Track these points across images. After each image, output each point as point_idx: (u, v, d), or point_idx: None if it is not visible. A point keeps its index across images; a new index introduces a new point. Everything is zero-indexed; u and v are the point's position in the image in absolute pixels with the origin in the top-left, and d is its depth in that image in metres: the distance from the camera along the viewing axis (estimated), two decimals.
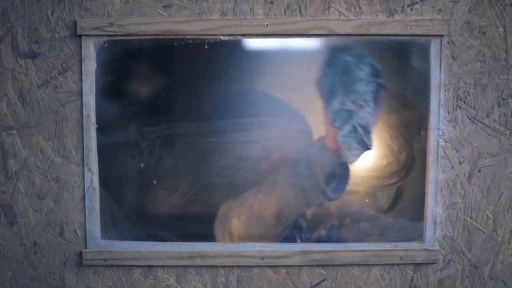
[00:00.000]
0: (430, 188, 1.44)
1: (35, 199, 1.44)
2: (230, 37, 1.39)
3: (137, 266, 1.46)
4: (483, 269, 1.48)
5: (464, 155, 1.44)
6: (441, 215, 1.45)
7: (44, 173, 1.43)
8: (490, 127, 1.43)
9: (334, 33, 1.39)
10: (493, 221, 1.46)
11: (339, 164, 1.45)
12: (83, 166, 1.42)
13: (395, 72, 1.43)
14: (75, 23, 1.38)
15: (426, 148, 1.43)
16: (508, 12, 1.39)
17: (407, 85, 1.44)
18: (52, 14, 1.38)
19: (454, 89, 1.42)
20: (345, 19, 1.39)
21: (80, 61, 1.39)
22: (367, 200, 1.48)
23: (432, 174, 1.43)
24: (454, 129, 1.43)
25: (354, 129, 1.42)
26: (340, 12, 1.39)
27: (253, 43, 1.41)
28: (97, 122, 1.41)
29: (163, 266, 1.46)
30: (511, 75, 1.42)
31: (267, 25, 1.38)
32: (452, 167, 1.44)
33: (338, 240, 1.47)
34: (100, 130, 1.41)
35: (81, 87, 1.40)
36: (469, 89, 1.42)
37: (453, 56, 1.41)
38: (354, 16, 1.39)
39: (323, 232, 1.47)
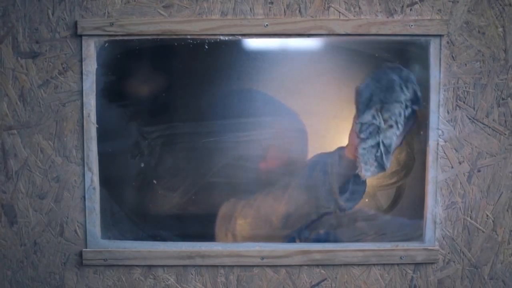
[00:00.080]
0: (430, 188, 1.44)
1: (35, 199, 1.44)
2: (230, 37, 1.40)
3: (137, 266, 1.46)
4: (483, 269, 1.48)
5: (463, 155, 1.44)
6: (441, 215, 1.45)
7: (45, 172, 1.43)
8: (489, 127, 1.43)
9: (333, 33, 1.39)
10: (492, 221, 1.46)
11: (354, 176, 1.44)
12: (84, 165, 1.42)
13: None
14: (75, 23, 1.38)
15: (426, 148, 1.43)
16: (507, 12, 1.40)
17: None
18: (52, 14, 1.39)
19: (453, 89, 1.42)
20: (344, 19, 1.39)
21: (81, 61, 1.39)
22: (367, 200, 1.48)
23: (432, 174, 1.43)
24: (454, 129, 1.43)
25: (377, 145, 1.41)
26: (339, 12, 1.40)
27: (253, 43, 1.42)
28: (98, 122, 1.41)
29: (163, 266, 1.46)
30: (511, 75, 1.42)
31: (267, 25, 1.39)
32: (452, 167, 1.44)
33: (338, 240, 1.47)
34: (101, 130, 1.42)
35: (82, 87, 1.40)
36: (469, 89, 1.42)
37: (452, 56, 1.41)
38: (354, 16, 1.40)
39: (321, 231, 1.47)
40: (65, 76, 1.40)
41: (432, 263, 1.47)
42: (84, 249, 1.45)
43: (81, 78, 1.40)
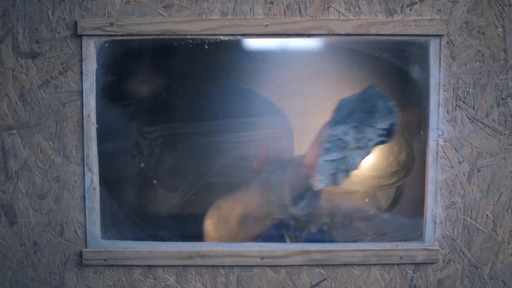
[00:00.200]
0: (429, 188, 1.44)
1: (35, 199, 1.44)
2: (230, 37, 1.40)
3: (137, 266, 1.46)
4: (483, 269, 1.48)
5: (463, 155, 1.44)
6: (440, 215, 1.45)
7: (45, 173, 1.43)
8: (489, 127, 1.43)
9: (333, 33, 1.39)
10: (492, 221, 1.46)
11: (309, 185, 1.43)
12: (83, 166, 1.42)
13: (394, 72, 1.44)
14: (75, 23, 1.38)
15: (426, 148, 1.43)
16: (507, 12, 1.40)
17: (406, 85, 1.44)
18: (52, 14, 1.39)
19: (453, 89, 1.42)
20: (344, 19, 1.39)
21: (81, 61, 1.39)
22: (367, 200, 1.48)
23: (432, 173, 1.44)
24: (454, 129, 1.43)
25: (339, 161, 1.41)
26: (339, 12, 1.40)
27: (253, 43, 1.42)
28: (98, 122, 1.41)
29: (163, 266, 1.46)
30: (510, 75, 1.42)
31: (267, 25, 1.39)
32: (452, 167, 1.44)
33: (338, 240, 1.47)
34: (101, 130, 1.42)
35: (82, 87, 1.40)
36: (469, 89, 1.42)
37: (452, 56, 1.41)
38: (354, 16, 1.40)
39: (313, 230, 1.47)
40: (65, 76, 1.40)
41: (432, 263, 1.47)
42: (84, 249, 1.45)
43: (81, 78, 1.40)
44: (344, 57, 1.44)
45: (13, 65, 1.40)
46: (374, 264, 1.47)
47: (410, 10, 1.40)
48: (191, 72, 1.43)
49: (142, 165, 1.45)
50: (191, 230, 1.47)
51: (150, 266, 1.46)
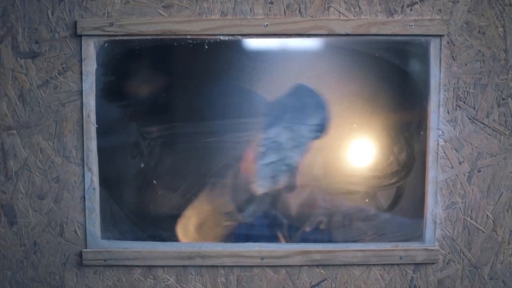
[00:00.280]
0: (430, 188, 1.44)
1: (35, 199, 1.44)
2: (230, 37, 1.39)
3: (137, 266, 1.46)
4: (483, 269, 1.48)
5: (464, 155, 1.44)
6: (441, 215, 1.45)
7: (44, 173, 1.43)
8: (489, 127, 1.43)
9: (333, 33, 1.39)
10: (493, 221, 1.46)
11: (251, 191, 1.44)
12: (83, 166, 1.42)
13: (394, 72, 1.44)
14: (75, 23, 1.38)
15: (426, 148, 1.43)
16: (507, 12, 1.40)
17: (406, 85, 1.44)
18: (52, 14, 1.38)
19: (453, 89, 1.42)
20: (344, 19, 1.39)
21: (80, 61, 1.39)
22: (367, 200, 1.48)
23: (432, 174, 1.43)
24: (454, 129, 1.43)
25: (278, 162, 1.42)
26: (339, 12, 1.39)
27: (253, 43, 1.41)
28: (97, 122, 1.41)
29: (163, 266, 1.46)
30: (511, 75, 1.42)
31: (267, 25, 1.38)
32: (452, 167, 1.44)
33: (338, 240, 1.47)
34: (100, 130, 1.42)
35: (81, 87, 1.40)
36: (469, 89, 1.42)
37: (452, 56, 1.41)
38: (354, 16, 1.40)
39: (308, 230, 1.47)
40: (64, 76, 1.40)
41: (432, 263, 1.47)
42: (84, 250, 1.45)
43: (81, 78, 1.40)
44: (344, 57, 1.43)
45: (12, 65, 1.39)
46: (374, 264, 1.47)
47: (411, 10, 1.40)
48: (191, 72, 1.43)
49: (142, 165, 1.45)
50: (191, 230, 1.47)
51: (150, 266, 1.46)
